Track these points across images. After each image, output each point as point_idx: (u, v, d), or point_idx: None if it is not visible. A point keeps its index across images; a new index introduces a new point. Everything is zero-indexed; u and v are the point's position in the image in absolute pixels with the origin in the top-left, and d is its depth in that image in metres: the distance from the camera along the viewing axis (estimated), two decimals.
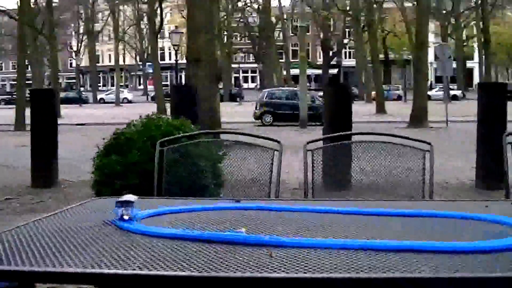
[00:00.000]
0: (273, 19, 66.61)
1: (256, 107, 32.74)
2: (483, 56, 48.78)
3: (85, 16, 70.16)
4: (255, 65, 77.97)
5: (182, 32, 33.49)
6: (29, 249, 2.05)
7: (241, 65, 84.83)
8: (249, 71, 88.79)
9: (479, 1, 48.98)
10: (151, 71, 61.18)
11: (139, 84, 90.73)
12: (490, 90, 10.21)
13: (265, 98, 32.84)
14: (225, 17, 65.06)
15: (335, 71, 79.33)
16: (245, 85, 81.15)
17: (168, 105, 17.41)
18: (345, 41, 75.44)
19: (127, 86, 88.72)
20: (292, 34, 74.06)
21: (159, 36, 46.43)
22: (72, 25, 77.21)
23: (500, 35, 62.33)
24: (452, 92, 55.81)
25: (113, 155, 5.49)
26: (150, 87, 72.03)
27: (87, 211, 2.81)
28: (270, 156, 3.79)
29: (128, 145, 5.46)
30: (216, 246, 2.07)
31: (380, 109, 39.23)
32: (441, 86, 52.78)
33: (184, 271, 1.82)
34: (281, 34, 71.55)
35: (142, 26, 69.17)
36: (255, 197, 3.64)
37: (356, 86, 64.77)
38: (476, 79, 72.07)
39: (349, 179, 3.90)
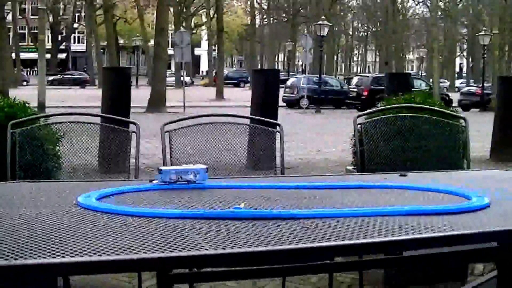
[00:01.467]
0: None
1: None
2: (215, 45, 50.61)
3: None
4: None
5: None
6: None
7: None
8: None
9: None
10: None
11: None
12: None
13: None
14: None
15: (63, 56, 77.71)
16: None
17: None
18: (75, 25, 74.14)
19: None
20: (20, 17, 71.14)
21: None
22: None
23: (226, 25, 65.09)
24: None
25: None
26: None
27: None
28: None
29: None
30: (228, 222, 2.13)
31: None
32: (172, 73, 53.90)
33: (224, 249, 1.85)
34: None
35: None
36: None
37: (85, 71, 64.03)
38: (204, 66, 74.62)
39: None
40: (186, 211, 2.21)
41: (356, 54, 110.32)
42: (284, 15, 74.81)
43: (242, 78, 71.12)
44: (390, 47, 64.98)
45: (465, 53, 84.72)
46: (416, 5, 79.54)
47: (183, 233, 1.95)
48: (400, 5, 67.07)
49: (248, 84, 66.11)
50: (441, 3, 49.24)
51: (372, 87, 33.92)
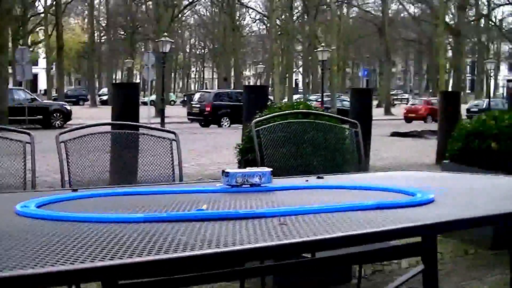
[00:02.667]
0: None
1: None
2: (53, 63, 49.24)
3: None
4: None
5: None
6: None
7: None
8: None
9: (51, 8, 49.32)
10: None
11: None
12: None
13: None
14: None
15: None
16: None
17: None
18: None
19: None
20: None
21: None
22: None
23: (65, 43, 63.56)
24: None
25: None
26: None
27: None
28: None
29: None
30: (189, 224, 1.98)
31: None
32: None
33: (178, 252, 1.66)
34: None
35: None
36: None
37: None
38: (42, 84, 72.37)
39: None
40: (149, 214, 2.05)
41: (193, 71, 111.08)
42: (122, 32, 74.08)
43: (81, 95, 69.96)
44: (228, 64, 65.95)
45: (301, 69, 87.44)
46: (253, 22, 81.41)
47: (139, 239, 1.77)
48: (238, 22, 68.16)
49: (88, 102, 65.18)
50: (277, 21, 50.47)
51: (215, 102, 34.28)
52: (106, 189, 2.84)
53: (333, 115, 4.75)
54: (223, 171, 2.86)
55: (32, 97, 30.72)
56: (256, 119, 4.38)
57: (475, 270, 5.35)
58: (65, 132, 3.84)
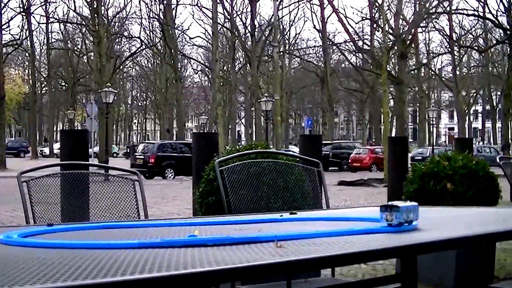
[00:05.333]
0: None
1: None
2: None
3: None
4: None
5: None
6: None
7: None
8: None
9: None
10: None
11: None
12: None
13: None
14: None
15: None
16: None
17: None
18: None
19: None
20: None
21: None
22: None
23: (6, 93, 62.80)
24: None
25: None
26: None
27: None
28: None
29: None
30: (186, 250, 1.93)
31: None
32: None
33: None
34: None
35: None
36: None
37: None
38: None
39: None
40: (144, 240, 1.98)
41: (135, 123, 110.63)
42: (64, 83, 73.51)
43: (22, 147, 69.01)
44: (171, 115, 65.84)
45: (243, 120, 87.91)
46: (195, 73, 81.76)
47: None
48: (180, 73, 68.35)
49: (29, 154, 64.23)
50: (220, 72, 50.76)
51: (159, 154, 34.17)
52: (83, 224, 2.76)
53: (295, 154, 4.72)
54: (389, 205, 2.44)
55: None
56: (220, 159, 4.32)
57: None
58: (26, 172, 3.75)
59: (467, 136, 71.39)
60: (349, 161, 43.89)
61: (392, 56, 36.28)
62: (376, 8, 40.29)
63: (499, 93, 65.88)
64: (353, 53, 55.68)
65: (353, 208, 5.22)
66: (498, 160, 5.98)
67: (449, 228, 2.74)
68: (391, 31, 35.05)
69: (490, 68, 64.78)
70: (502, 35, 51.17)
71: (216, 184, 5.54)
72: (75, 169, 4.07)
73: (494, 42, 55.25)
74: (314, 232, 2.23)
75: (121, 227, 2.60)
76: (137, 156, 35.31)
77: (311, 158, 4.43)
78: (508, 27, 42.31)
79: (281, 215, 3.17)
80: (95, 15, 43.33)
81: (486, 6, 47.06)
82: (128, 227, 2.62)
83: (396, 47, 35.67)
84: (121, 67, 62.87)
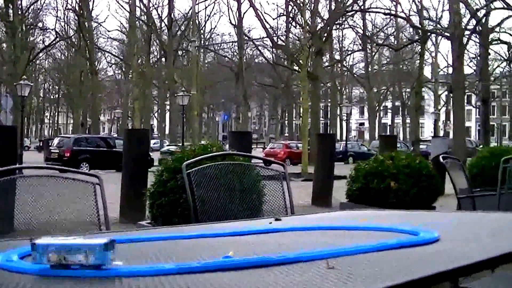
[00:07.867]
0: None
1: None
2: None
3: None
4: None
5: None
6: None
7: None
8: None
9: None
10: None
11: None
12: None
13: None
14: None
15: None
16: None
17: None
18: None
19: None
20: None
21: None
22: None
23: None
24: None
25: None
26: None
27: None
28: None
29: None
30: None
31: None
32: None
33: None
34: None
35: None
36: None
37: None
38: None
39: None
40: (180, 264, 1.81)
41: (47, 116, 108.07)
42: None
43: None
44: (86, 109, 64.69)
45: (156, 115, 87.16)
46: (110, 66, 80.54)
47: None
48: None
49: None
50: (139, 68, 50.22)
51: (75, 148, 33.62)
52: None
53: (257, 156, 4.75)
54: None
55: None
56: (187, 162, 4.29)
57: None
58: None
59: (377, 132, 73.03)
60: (263, 154, 44.04)
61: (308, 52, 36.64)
62: (293, 5, 40.62)
63: (408, 90, 67.54)
64: (267, 48, 56.07)
65: (339, 212, 4.94)
66: (441, 160, 6.14)
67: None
68: (308, 28, 35.42)
69: (401, 66, 66.35)
70: (412, 33, 52.59)
71: (169, 186, 5.54)
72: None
73: (405, 40, 56.62)
74: (361, 247, 2.05)
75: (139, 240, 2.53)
76: (52, 150, 34.60)
77: (276, 161, 4.48)
78: (419, 26, 43.46)
79: (270, 223, 3.14)
80: (10, 5, 42.07)
81: (398, 5, 48.23)
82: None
83: (313, 44, 36.13)
84: (34, 59, 61.30)
